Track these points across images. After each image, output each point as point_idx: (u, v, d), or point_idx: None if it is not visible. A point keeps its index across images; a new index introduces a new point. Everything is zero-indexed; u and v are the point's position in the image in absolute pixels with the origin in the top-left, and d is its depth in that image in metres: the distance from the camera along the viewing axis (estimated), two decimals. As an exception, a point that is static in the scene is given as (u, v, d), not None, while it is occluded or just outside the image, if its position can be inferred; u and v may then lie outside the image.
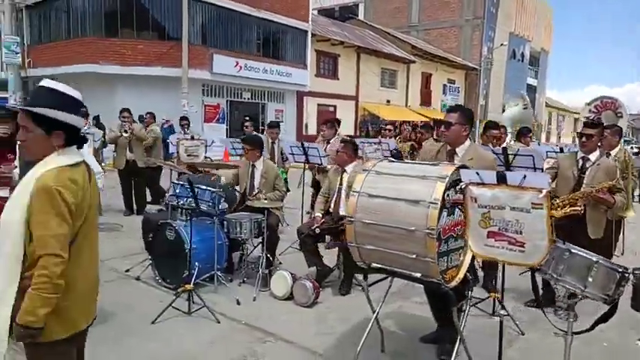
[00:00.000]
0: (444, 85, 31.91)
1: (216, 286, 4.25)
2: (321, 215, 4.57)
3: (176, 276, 4.24)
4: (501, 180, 2.11)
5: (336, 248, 4.69)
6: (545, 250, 2.12)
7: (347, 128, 23.66)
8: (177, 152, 6.89)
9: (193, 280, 4.05)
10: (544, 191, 2.08)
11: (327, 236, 4.65)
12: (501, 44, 32.63)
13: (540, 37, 42.35)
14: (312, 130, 20.96)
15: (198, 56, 15.72)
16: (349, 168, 4.55)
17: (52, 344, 1.72)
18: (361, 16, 34.77)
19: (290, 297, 4.13)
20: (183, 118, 10.23)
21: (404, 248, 2.49)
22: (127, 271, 4.75)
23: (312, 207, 6.07)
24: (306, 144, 5.70)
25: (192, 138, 7.31)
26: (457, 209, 2.60)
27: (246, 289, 4.33)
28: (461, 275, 2.70)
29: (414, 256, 2.47)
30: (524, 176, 2.14)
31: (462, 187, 2.27)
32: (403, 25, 35.60)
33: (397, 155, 6.42)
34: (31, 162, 1.73)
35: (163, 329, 3.54)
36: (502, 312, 2.80)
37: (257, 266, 4.55)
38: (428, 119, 28.57)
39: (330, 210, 4.62)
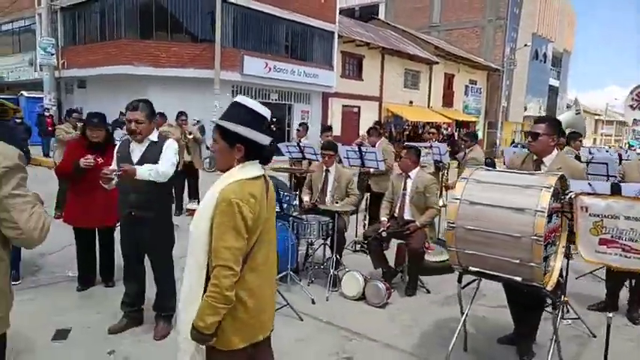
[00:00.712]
0: (466, 86, 31.78)
1: (289, 286, 4.42)
2: (386, 219, 4.72)
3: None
4: (616, 191, 2.24)
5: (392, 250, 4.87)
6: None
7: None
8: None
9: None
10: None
11: (392, 239, 4.80)
12: (525, 45, 32.37)
13: (563, 37, 41.88)
14: (336, 131, 21.08)
15: (229, 58, 15.98)
16: (413, 173, 4.69)
17: (230, 353, 1.83)
18: (381, 16, 34.79)
19: (361, 297, 4.29)
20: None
21: (508, 254, 2.63)
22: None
23: (367, 210, 6.25)
24: (363, 148, 5.84)
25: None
26: (554, 217, 2.73)
27: (316, 288, 4.50)
28: (554, 280, 2.83)
29: (517, 261, 2.61)
30: None
31: (572, 196, 2.40)
32: (424, 25, 35.53)
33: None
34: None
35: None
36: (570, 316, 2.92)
37: (324, 267, 4.74)
38: (450, 120, 28.61)
39: (395, 214, 4.77)
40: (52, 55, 16.70)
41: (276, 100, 19.11)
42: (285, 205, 4.45)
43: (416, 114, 25.93)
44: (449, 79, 30.02)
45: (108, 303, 3.96)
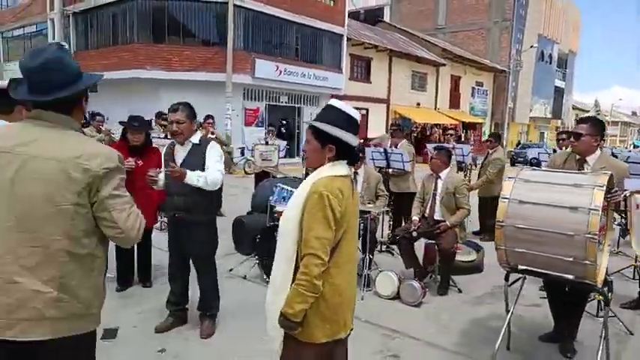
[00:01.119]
0: (473, 88, 31.84)
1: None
2: (418, 219, 4.77)
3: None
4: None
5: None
6: None
7: (379, 131, 23.86)
8: (253, 157, 7.19)
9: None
10: None
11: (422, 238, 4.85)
12: (531, 46, 32.39)
13: (568, 38, 41.86)
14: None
15: (241, 61, 16.08)
16: (443, 174, 4.74)
17: (312, 346, 1.90)
18: (386, 19, 34.89)
19: (396, 297, 4.34)
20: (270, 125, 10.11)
21: (560, 252, 2.67)
22: (231, 270, 5.01)
23: (391, 212, 6.31)
24: (389, 149, 5.90)
25: (267, 143, 7.58)
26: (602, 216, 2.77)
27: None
28: (602, 277, 2.87)
29: (571, 259, 2.65)
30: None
31: (626, 195, 2.44)
32: (429, 27, 35.62)
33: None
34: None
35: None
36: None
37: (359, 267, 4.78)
38: (457, 122, 28.64)
39: (425, 214, 4.81)
40: (65, 59, 16.84)
41: (285, 102, 19.21)
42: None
43: (423, 116, 25.98)
44: (455, 81, 30.08)
45: (148, 303, 4.03)
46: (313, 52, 19.21)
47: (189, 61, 15.66)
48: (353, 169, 5.17)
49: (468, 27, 34.72)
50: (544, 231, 2.70)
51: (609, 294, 2.94)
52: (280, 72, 17.41)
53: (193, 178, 3.21)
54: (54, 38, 19.86)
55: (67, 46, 17.00)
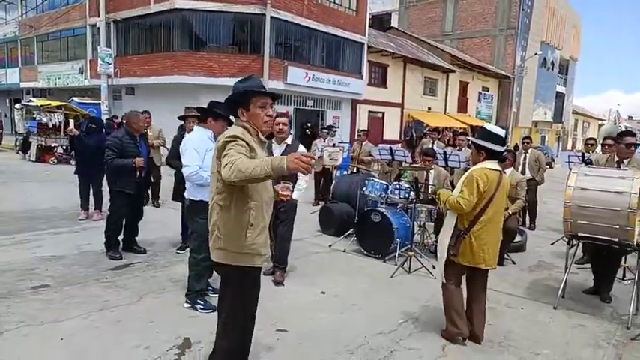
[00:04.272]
0: (479, 93, 33.26)
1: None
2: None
3: (381, 248, 5.80)
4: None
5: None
6: None
7: (393, 134, 25.23)
8: (322, 157, 8.52)
9: (398, 251, 5.63)
10: None
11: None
12: (535, 53, 33.86)
13: (569, 45, 43.42)
14: (363, 135, 22.52)
15: (274, 68, 17.39)
16: (507, 172, 6.07)
17: (456, 265, 3.45)
18: (394, 25, 36.26)
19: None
20: (329, 127, 11.04)
21: (609, 222, 4.02)
22: (330, 245, 6.33)
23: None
24: (393, 147, 7.58)
25: (335, 145, 8.88)
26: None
27: (429, 258, 5.86)
28: (636, 238, 4.21)
29: (617, 226, 3.99)
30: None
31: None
32: (437, 34, 37.03)
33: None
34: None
35: (398, 282, 5.10)
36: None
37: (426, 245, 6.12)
38: (465, 125, 30.02)
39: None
40: (110, 64, 18.09)
41: (311, 106, 20.53)
42: (406, 196, 5.82)
43: (434, 119, 27.33)
44: (463, 87, 31.48)
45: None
46: (337, 59, 20.54)
47: (227, 68, 16.94)
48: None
49: (474, 34, 36.17)
50: (598, 208, 4.04)
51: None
52: (309, 78, 18.73)
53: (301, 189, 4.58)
54: (93, 43, 21.12)
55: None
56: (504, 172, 5.93)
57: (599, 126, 59.26)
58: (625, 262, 5.45)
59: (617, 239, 4.06)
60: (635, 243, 4.07)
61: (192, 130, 5.07)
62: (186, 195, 4.18)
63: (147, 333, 3.50)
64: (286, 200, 2.83)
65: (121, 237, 5.52)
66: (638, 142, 4.54)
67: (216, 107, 4.02)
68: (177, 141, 5.52)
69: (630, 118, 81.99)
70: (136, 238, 5.69)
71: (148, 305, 4.06)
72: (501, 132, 3.43)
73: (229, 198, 2.48)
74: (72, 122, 15.10)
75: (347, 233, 6.41)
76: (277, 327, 3.73)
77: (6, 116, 27.41)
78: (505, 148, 3.43)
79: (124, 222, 5.48)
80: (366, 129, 11.18)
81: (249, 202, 2.47)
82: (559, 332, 3.96)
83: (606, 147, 6.33)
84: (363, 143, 9.50)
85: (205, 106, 4.13)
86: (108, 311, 3.87)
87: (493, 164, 3.42)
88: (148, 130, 8.06)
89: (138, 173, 5.39)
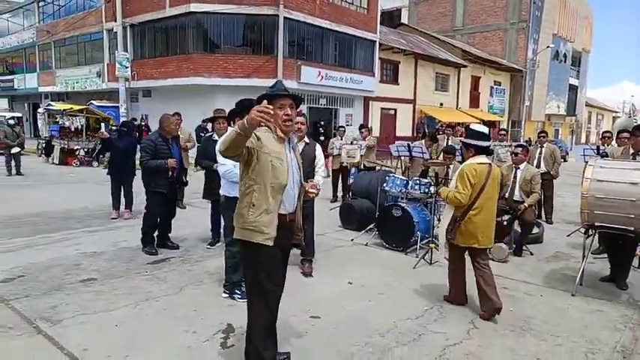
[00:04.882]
0: (491, 87, 33.20)
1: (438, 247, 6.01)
2: (498, 200, 6.30)
3: (403, 241, 6.03)
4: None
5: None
6: None
7: (406, 130, 25.36)
8: (340, 154, 8.79)
9: (419, 244, 5.86)
10: None
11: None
12: (547, 46, 33.67)
13: (581, 37, 43.04)
14: (375, 131, 22.68)
15: (288, 68, 17.68)
16: (522, 166, 6.25)
17: (454, 246, 3.95)
18: (404, 21, 36.31)
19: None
20: (338, 128, 11.30)
21: (625, 212, 4.20)
22: (352, 240, 6.58)
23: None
24: (411, 144, 7.92)
25: (352, 143, 9.13)
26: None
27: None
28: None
29: (632, 216, 4.18)
30: None
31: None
32: (447, 29, 37.02)
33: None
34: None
35: (420, 272, 5.33)
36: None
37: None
38: (478, 120, 30.02)
39: (506, 196, 6.34)
40: (127, 68, 18.52)
41: (324, 105, 20.77)
42: (426, 191, 6.05)
43: (446, 115, 27.39)
44: (475, 81, 31.47)
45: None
46: (349, 57, 20.75)
47: (242, 69, 17.26)
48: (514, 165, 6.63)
49: (485, 28, 36.09)
50: (614, 199, 4.23)
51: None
52: (322, 77, 18.98)
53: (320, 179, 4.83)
54: (110, 48, 21.60)
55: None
56: (518, 168, 6.32)
57: (614, 118, 58.60)
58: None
59: (632, 228, 4.24)
60: (650, 232, 4.25)
61: (222, 130, 5.37)
62: (221, 192, 4.46)
63: (192, 320, 3.79)
64: (310, 197, 3.08)
65: (155, 234, 5.83)
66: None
67: (246, 107, 4.31)
68: (205, 142, 5.81)
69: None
70: (169, 234, 6.01)
71: (188, 296, 4.35)
72: (485, 130, 3.94)
73: (242, 183, 2.80)
74: (103, 125, 15.61)
75: (368, 228, 6.66)
76: (310, 314, 4.00)
77: (27, 120, 28.10)
78: (490, 142, 3.93)
79: (158, 220, 5.79)
80: (366, 125, 11.46)
81: (253, 185, 2.73)
82: (578, 317, 4.17)
83: (622, 139, 6.46)
84: (367, 139, 9.60)
85: (220, 107, 4.46)
86: (153, 301, 4.17)
87: (482, 158, 3.88)
88: (179, 132, 8.30)
89: (170, 173, 5.69)
